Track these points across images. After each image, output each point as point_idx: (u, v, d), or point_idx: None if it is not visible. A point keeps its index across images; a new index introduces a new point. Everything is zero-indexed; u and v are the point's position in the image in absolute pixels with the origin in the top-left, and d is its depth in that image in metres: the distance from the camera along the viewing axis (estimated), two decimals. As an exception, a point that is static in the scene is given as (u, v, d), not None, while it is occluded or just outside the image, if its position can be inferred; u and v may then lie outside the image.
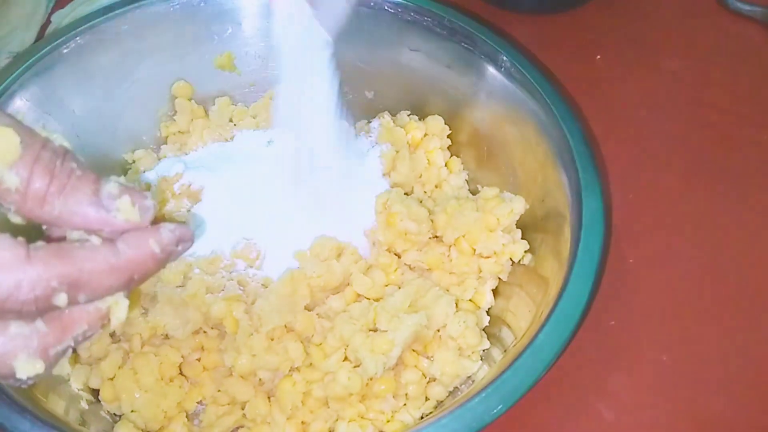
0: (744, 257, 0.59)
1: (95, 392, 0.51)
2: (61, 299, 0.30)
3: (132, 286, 0.32)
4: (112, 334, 0.53)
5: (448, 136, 0.61)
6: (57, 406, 0.46)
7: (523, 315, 0.50)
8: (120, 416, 0.50)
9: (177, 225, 0.33)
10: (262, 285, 0.53)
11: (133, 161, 0.62)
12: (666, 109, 0.69)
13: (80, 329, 0.32)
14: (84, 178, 0.31)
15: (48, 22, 0.74)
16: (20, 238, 0.29)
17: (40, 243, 0.30)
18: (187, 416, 0.51)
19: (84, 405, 0.49)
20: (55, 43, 0.57)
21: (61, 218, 0.31)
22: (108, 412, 0.50)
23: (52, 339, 0.31)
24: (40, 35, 0.73)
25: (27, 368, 0.30)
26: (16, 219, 0.31)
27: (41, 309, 0.30)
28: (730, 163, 0.65)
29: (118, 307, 0.33)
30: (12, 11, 0.74)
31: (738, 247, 0.60)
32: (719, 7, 0.75)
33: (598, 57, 0.73)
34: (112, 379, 0.51)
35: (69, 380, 0.50)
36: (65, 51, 0.57)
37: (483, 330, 0.52)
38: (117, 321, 0.33)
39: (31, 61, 0.56)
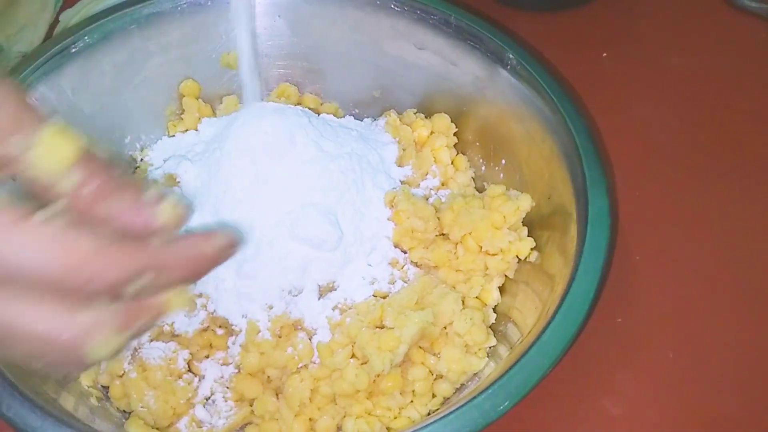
0: (751, 254, 0.59)
1: (105, 389, 0.51)
2: (140, 283, 0.32)
3: (194, 281, 0.36)
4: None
5: (455, 134, 0.61)
6: (67, 402, 0.47)
7: (529, 312, 0.50)
8: (129, 413, 0.50)
9: (230, 230, 0.37)
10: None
11: (141, 159, 0.62)
12: (673, 106, 0.69)
13: (149, 316, 0.34)
14: (128, 184, 0.34)
15: (56, 21, 0.74)
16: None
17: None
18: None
19: (93, 402, 0.50)
20: (64, 42, 0.57)
21: (106, 221, 0.33)
22: (117, 408, 0.51)
23: (126, 321, 0.33)
24: (49, 35, 0.73)
25: (104, 347, 0.32)
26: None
27: (121, 293, 0.32)
28: (736, 159, 0.65)
29: (178, 299, 0.35)
30: (20, 11, 0.74)
31: (745, 243, 0.60)
32: (725, 4, 0.75)
33: (605, 54, 0.73)
34: (121, 376, 0.51)
35: (78, 377, 0.51)
36: (73, 50, 0.57)
37: (489, 327, 0.52)
38: (175, 311, 0.35)
39: (39, 60, 0.56)
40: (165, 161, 0.61)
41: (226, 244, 0.36)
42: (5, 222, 0.30)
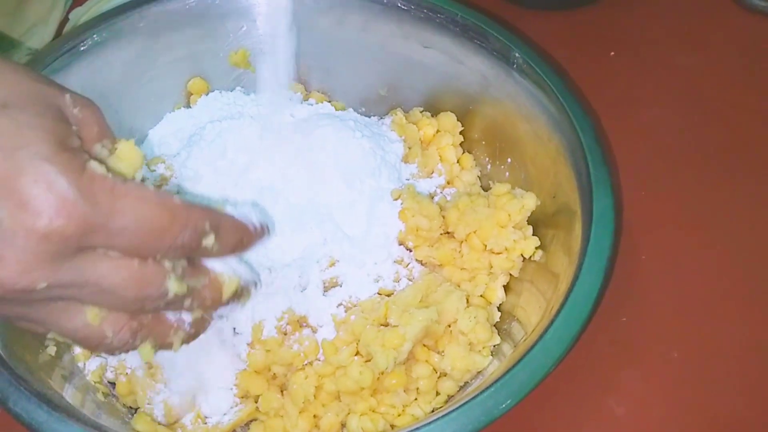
0: (757, 254, 0.59)
1: (111, 384, 0.52)
2: (209, 240, 0.37)
3: (238, 250, 0.41)
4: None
5: (461, 133, 0.61)
6: (73, 398, 0.47)
7: (533, 310, 0.50)
8: (136, 409, 0.51)
9: (262, 215, 0.43)
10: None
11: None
12: (679, 105, 0.69)
13: (205, 280, 0.40)
14: None
15: (66, 19, 0.75)
16: None
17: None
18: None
19: (100, 397, 0.50)
20: (73, 40, 0.58)
21: None
22: (124, 405, 0.51)
23: (190, 273, 0.39)
24: (58, 32, 0.74)
25: (178, 287, 0.38)
26: None
27: (194, 247, 0.37)
28: (743, 159, 0.65)
29: (230, 282, 0.41)
30: (30, 9, 0.75)
31: (751, 244, 0.60)
32: (733, 4, 0.75)
33: (612, 53, 0.73)
34: (127, 373, 0.51)
35: (84, 371, 0.51)
36: (82, 48, 0.58)
37: (494, 325, 0.52)
38: (226, 294, 0.41)
39: (49, 58, 0.57)
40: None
41: (265, 225, 0.42)
42: (108, 190, 0.33)
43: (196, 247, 0.37)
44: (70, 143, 0.34)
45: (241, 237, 0.41)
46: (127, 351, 0.39)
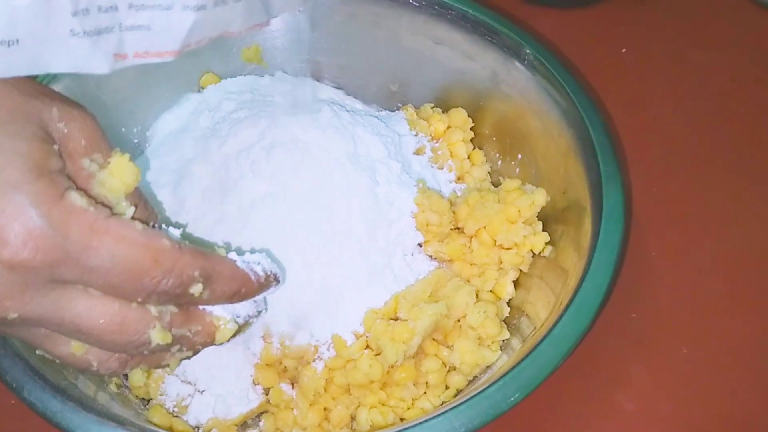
0: (767, 251, 0.59)
1: (124, 376, 0.52)
2: (197, 288, 0.35)
3: (236, 299, 0.39)
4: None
5: (471, 129, 0.62)
6: (87, 388, 0.47)
7: (542, 306, 0.50)
8: (148, 401, 0.51)
9: (273, 264, 0.41)
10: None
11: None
12: (691, 102, 0.69)
13: (196, 327, 0.38)
14: None
15: (81, 15, 0.75)
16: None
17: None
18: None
19: (113, 388, 0.50)
20: (87, 36, 0.58)
21: None
22: (136, 396, 0.52)
23: (179, 321, 0.37)
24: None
25: (162, 337, 0.36)
26: None
27: (180, 294, 0.35)
28: (754, 157, 0.64)
29: (225, 329, 0.39)
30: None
31: (762, 240, 0.60)
32: (748, 2, 0.75)
33: (624, 50, 0.73)
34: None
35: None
36: (97, 44, 0.58)
37: (504, 321, 0.53)
38: (218, 340, 0.39)
39: (62, 53, 0.57)
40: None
41: (271, 273, 0.40)
42: (85, 225, 0.32)
43: (181, 294, 0.35)
44: (49, 166, 0.32)
45: (240, 287, 0.38)
46: (117, 376, 0.39)
